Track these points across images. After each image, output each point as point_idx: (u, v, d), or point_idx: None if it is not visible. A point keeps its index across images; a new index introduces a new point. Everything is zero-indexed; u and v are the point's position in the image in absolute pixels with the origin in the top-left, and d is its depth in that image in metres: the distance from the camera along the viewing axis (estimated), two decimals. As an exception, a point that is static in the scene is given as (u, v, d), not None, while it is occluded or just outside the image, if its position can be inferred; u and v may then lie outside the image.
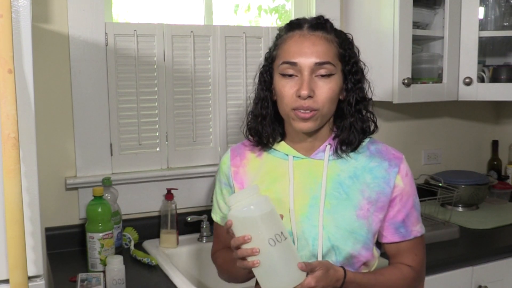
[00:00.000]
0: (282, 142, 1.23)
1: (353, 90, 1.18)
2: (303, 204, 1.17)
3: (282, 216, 1.07)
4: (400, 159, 1.21)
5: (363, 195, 1.17)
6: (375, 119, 1.23)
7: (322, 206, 1.15)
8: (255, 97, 1.25)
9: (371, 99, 1.22)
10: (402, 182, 1.19)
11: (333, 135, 1.21)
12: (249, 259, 1.03)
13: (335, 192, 1.17)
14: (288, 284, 1.03)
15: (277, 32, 1.22)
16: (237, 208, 1.04)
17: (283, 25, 1.22)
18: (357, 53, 1.21)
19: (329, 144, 1.20)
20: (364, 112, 1.20)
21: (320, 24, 1.16)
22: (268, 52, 1.23)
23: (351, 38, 1.21)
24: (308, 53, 1.12)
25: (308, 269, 1.05)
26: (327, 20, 1.18)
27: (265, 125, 1.22)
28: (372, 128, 1.22)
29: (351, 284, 1.11)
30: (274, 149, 1.24)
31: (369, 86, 1.22)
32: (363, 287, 1.14)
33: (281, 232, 1.03)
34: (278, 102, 1.18)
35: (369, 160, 1.20)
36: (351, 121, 1.18)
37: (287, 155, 1.22)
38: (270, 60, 1.21)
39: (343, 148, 1.19)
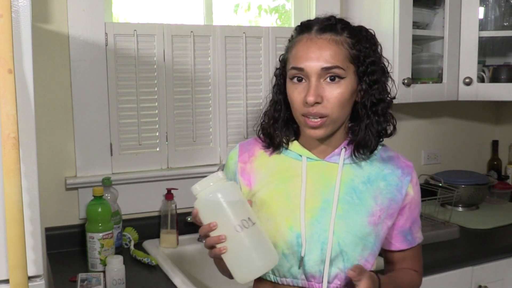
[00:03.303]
0: (296, 142, 1.21)
1: (368, 92, 1.14)
2: (314, 207, 1.15)
3: (250, 202, 1.06)
4: (411, 167, 1.21)
5: (376, 201, 1.16)
6: (394, 121, 1.19)
7: (335, 211, 1.14)
8: (271, 99, 1.24)
9: (394, 98, 1.19)
10: (413, 191, 1.20)
11: (348, 139, 1.19)
12: (217, 246, 1.02)
13: (347, 197, 1.15)
14: (259, 270, 1.02)
15: (287, 33, 1.21)
16: (202, 196, 1.04)
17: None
18: (378, 50, 1.16)
19: (344, 147, 1.18)
20: (381, 114, 1.16)
21: (329, 25, 1.12)
22: (281, 55, 1.21)
23: (372, 33, 1.16)
24: (314, 58, 1.09)
25: (357, 276, 1.04)
26: (338, 20, 1.14)
27: (277, 128, 1.20)
28: (389, 131, 1.19)
29: (386, 285, 1.12)
30: (287, 149, 1.21)
31: (394, 84, 1.19)
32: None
33: (248, 218, 1.02)
34: (290, 105, 1.16)
35: (383, 167, 1.19)
36: (366, 123, 1.15)
37: (300, 156, 1.20)
38: (283, 63, 1.19)
39: (360, 151, 1.16)
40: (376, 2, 2.04)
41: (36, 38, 1.30)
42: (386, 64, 1.18)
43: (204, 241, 1.05)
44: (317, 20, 1.15)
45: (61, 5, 1.75)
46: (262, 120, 1.24)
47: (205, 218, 1.04)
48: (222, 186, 1.04)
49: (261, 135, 1.24)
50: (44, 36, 1.74)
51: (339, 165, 1.17)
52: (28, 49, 1.15)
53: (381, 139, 1.19)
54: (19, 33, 1.13)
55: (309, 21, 1.17)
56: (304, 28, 1.15)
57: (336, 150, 1.18)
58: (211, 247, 1.04)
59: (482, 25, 2.14)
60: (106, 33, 1.82)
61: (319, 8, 2.10)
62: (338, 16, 1.16)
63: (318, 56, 1.09)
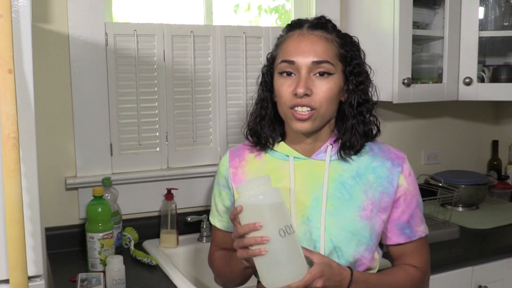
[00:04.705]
0: (282, 143, 1.22)
1: (354, 91, 1.16)
2: (304, 206, 1.16)
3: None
4: (402, 158, 1.20)
5: (366, 195, 1.16)
6: (378, 123, 1.21)
7: (324, 207, 1.14)
8: (256, 98, 1.25)
9: (376, 102, 1.20)
10: (406, 182, 1.19)
11: (334, 137, 1.20)
12: (255, 247, 1.01)
13: (337, 193, 1.16)
14: (289, 278, 1.02)
15: (280, 33, 1.22)
16: (248, 196, 1.02)
17: (284, 25, 1.22)
18: (362, 56, 1.19)
19: (331, 144, 1.19)
20: (367, 115, 1.18)
21: (320, 23, 1.16)
22: (269, 53, 1.23)
23: (356, 40, 1.20)
24: (305, 51, 1.11)
25: (309, 254, 1.05)
26: (328, 21, 1.17)
27: (264, 125, 1.21)
28: (374, 132, 1.20)
29: (358, 284, 1.11)
30: (274, 150, 1.22)
31: (375, 89, 1.20)
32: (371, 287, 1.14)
33: (290, 225, 1.03)
34: (277, 101, 1.17)
35: (372, 160, 1.19)
36: (352, 123, 1.16)
37: (287, 156, 1.20)
38: (271, 60, 1.21)
39: (346, 151, 1.17)
40: (376, 2, 2.04)
41: (36, 38, 1.30)
42: (369, 70, 1.21)
43: (240, 240, 1.03)
44: (307, 19, 1.18)
45: (61, 5, 1.75)
46: (248, 121, 1.25)
47: (249, 217, 1.02)
48: (271, 190, 1.04)
49: (249, 136, 1.25)
50: (44, 36, 1.74)
51: (326, 161, 1.18)
52: (28, 49, 1.15)
53: (368, 140, 1.20)
54: (19, 33, 1.13)
55: (299, 19, 1.20)
56: (295, 25, 1.18)
57: (323, 148, 1.19)
58: (246, 247, 1.03)
59: (482, 25, 2.14)
60: (106, 33, 1.82)
61: (319, 8, 2.10)
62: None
63: (309, 50, 1.12)
